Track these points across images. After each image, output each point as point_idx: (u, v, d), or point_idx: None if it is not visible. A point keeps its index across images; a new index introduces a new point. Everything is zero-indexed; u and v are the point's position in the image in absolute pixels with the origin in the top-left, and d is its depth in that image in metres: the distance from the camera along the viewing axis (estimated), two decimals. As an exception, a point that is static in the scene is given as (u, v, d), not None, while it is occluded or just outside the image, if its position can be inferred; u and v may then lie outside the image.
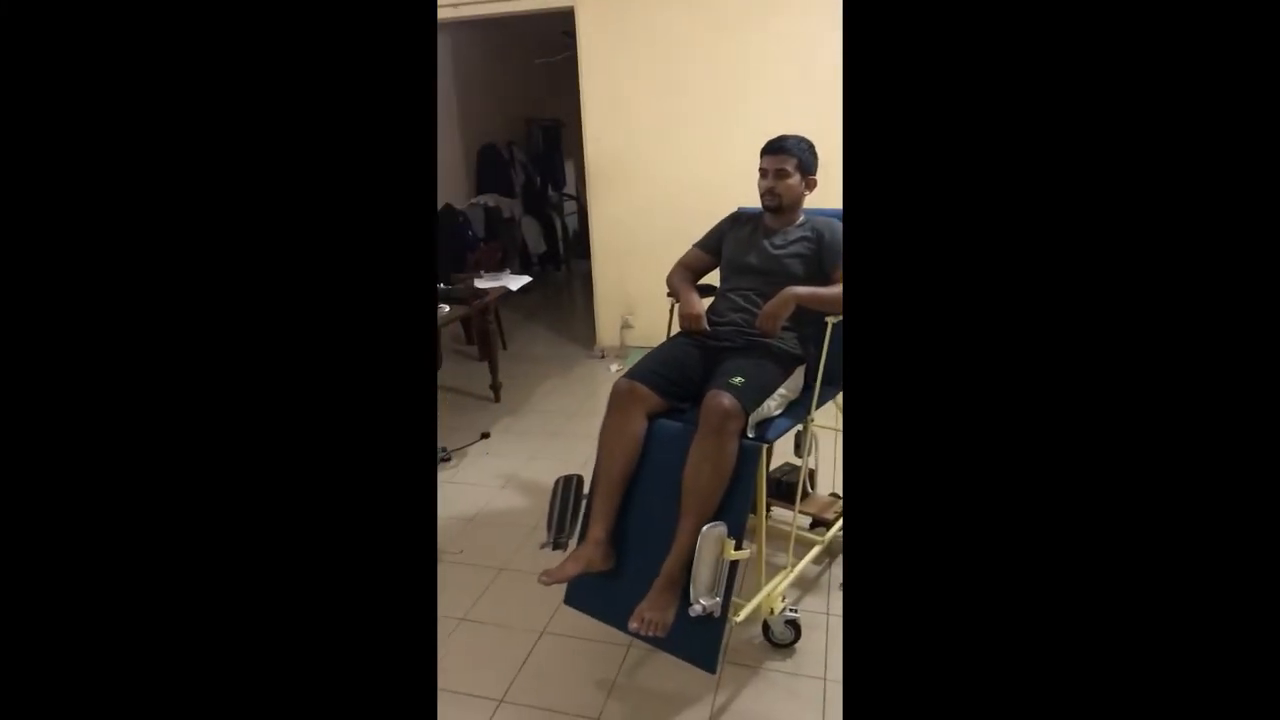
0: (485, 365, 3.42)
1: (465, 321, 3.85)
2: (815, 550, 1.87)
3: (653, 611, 1.43)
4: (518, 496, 2.49)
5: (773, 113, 3.35)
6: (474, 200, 5.08)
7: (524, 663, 1.67)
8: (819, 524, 1.95)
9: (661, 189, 3.66)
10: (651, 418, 1.63)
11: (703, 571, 1.40)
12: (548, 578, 1.49)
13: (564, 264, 6.38)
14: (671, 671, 1.59)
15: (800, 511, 1.84)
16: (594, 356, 3.98)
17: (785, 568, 1.72)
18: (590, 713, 1.53)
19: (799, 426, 1.67)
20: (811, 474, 2.08)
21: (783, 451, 1.89)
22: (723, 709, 1.52)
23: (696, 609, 1.39)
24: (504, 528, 2.29)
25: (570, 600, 1.63)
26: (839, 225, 1.75)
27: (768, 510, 1.80)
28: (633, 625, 1.42)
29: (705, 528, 1.42)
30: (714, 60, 3.46)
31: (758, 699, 1.54)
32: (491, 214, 5.03)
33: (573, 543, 1.60)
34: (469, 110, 5.24)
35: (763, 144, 1.77)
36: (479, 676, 1.64)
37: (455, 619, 1.85)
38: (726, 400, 1.48)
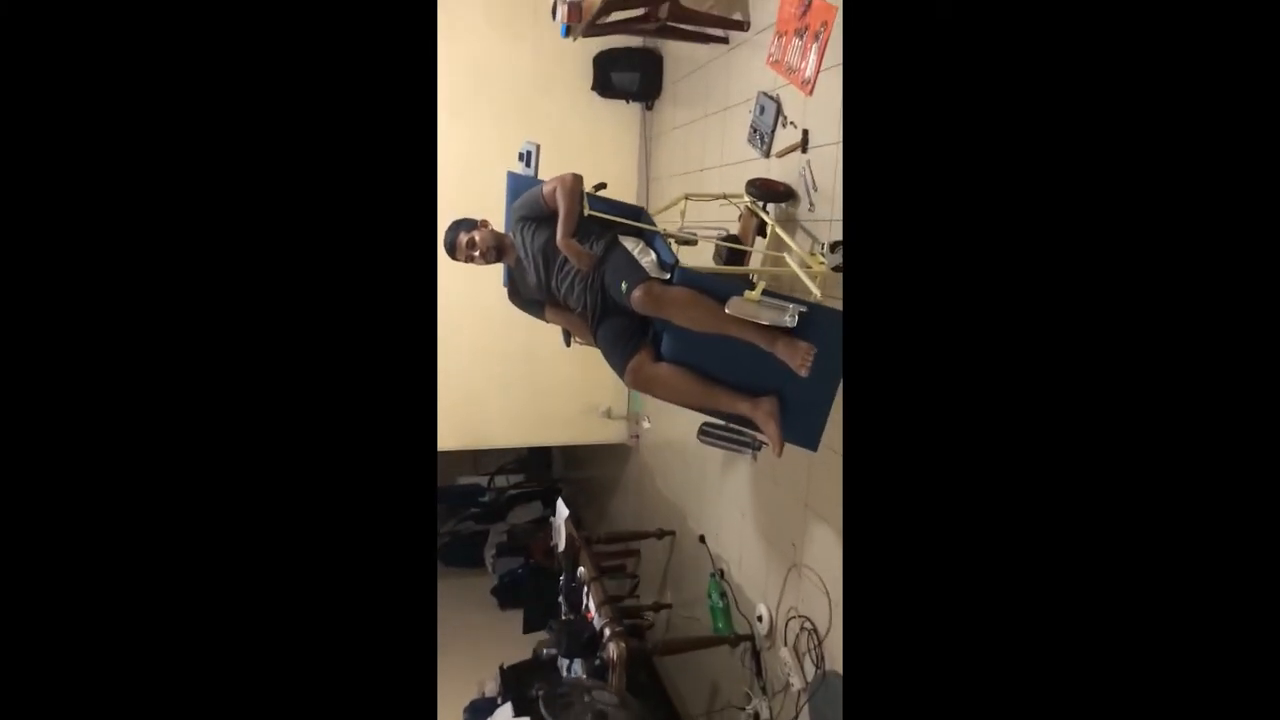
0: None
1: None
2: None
3: (794, 357, 1.72)
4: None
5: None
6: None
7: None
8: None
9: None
10: (658, 359, 1.89)
11: (765, 315, 1.70)
12: (778, 449, 1.83)
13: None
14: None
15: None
16: (633, 439, 4.20)
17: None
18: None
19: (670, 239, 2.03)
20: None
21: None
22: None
23: (794, 320, 1.70)
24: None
25: (812, 443, 1.91)
26: (514, 195, 2.15)
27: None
28: (804, 373, 1.73)
29: (727, 309, 1.70)
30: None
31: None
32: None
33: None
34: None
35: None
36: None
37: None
38: (636, 294, 1.74)
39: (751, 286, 1.73)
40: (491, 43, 3.49)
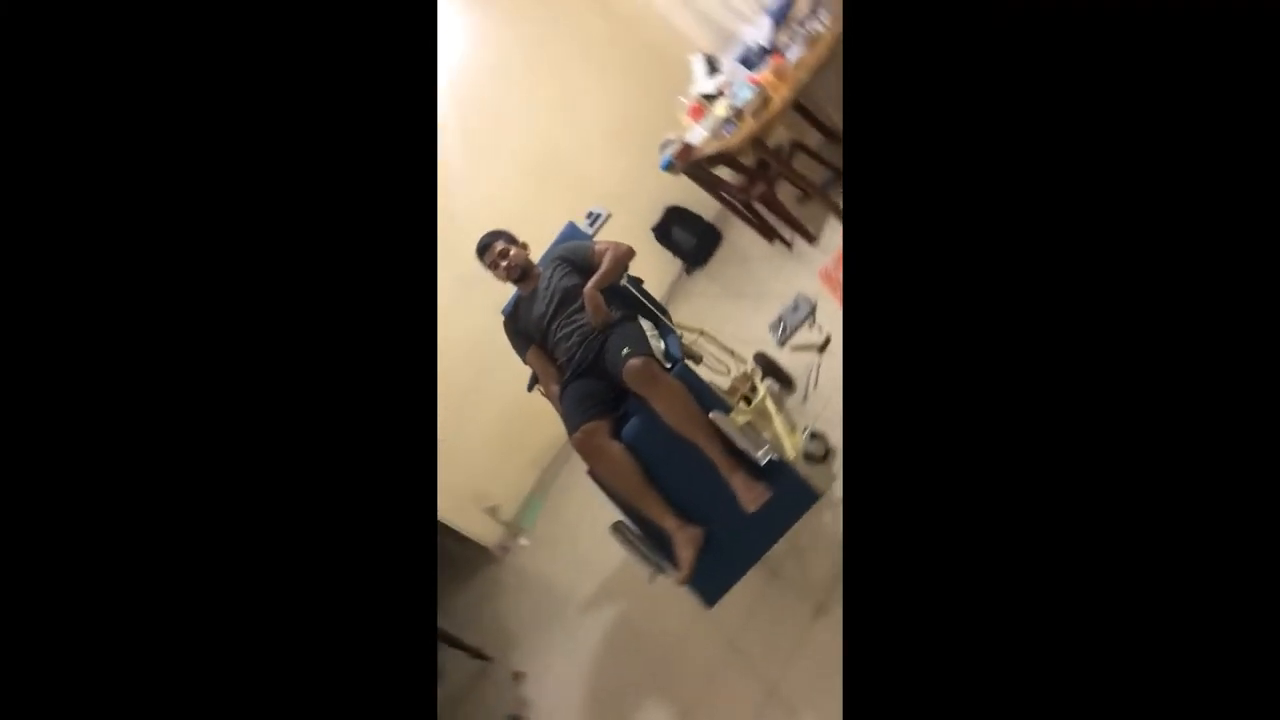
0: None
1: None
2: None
3: (747, 492, 1.63)
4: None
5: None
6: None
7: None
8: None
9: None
10: (615, 436, 1.79)
11: (742, 440, 1.66)
12: (684, 576, 1.67)
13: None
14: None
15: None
16: (501, 550, 3.85)
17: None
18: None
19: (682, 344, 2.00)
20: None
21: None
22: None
23: (764, 457, 1.63)
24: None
25: (711, 599, 1.71)
26: (564, 241, 2.18)
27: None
28: (751, 509, 1.61)
29: (711, 416, 1.64)
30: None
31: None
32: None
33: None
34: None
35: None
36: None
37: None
38: (635, 362, 1.69)
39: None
40: (599, 146, 3.73)
